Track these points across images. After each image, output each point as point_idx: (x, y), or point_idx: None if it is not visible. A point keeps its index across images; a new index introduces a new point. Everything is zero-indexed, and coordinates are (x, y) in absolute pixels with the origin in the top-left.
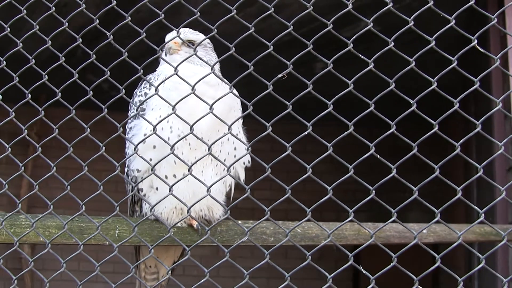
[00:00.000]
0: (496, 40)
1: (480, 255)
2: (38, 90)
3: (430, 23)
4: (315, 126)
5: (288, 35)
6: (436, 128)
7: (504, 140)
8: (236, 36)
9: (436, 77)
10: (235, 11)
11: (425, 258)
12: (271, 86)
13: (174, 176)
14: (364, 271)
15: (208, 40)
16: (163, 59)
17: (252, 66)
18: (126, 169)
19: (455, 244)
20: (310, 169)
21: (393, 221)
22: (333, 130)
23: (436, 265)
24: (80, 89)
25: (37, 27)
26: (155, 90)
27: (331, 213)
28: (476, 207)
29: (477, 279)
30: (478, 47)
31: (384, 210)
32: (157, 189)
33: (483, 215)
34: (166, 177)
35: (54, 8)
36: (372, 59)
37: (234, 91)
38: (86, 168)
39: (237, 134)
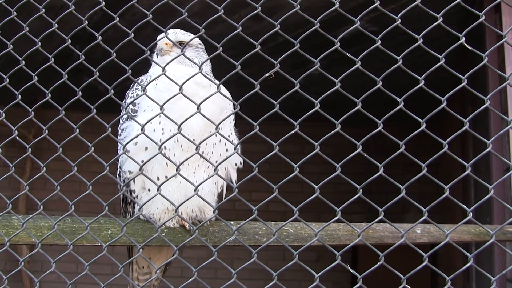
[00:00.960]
0: (493, 40)
1: (468, 254)
2: (35, 92)
3: (427, 23)
4: (312, 127)
5: (283, 36)
6: (423, 126)
7: (492, 138)
8: (231, 37)
9: (423, 75)
10: (222, 10)
11: (422, 259)
12: (259, 85)
13: (166, 177)
14: (351, 270)
15: (200, 41)
16: (152, 60)
17: (239, 66)
18: (118, 170)
19: (443, 243)
20: (297, 168)
21: (382, 221)
22: (328, 131)
23: (424, 264)
24: (76, 91)
25: (27, 28)
26: (144, 91)
27: (329, 215)
28: (463, 206)
29: (474, 280)
30: (466, 44)
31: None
32: (149, 190)
33: (471, 213)
34: (158, 178)
35: (43, 10)
36: (359, 58)
37: (226, 92)
38: (75, 168)
39: (229, 136)
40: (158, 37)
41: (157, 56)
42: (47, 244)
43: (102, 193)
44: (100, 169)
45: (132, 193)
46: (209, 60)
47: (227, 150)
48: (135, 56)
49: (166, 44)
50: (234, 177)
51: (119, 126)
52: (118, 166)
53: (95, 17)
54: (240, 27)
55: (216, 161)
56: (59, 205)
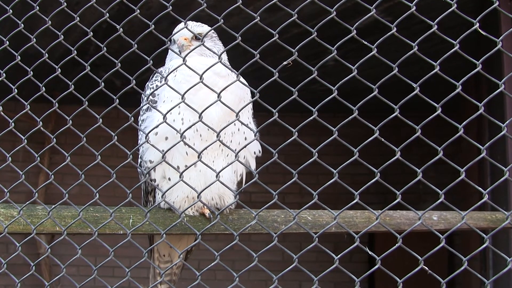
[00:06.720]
0: (507, 25)
1: (484, 235)
2: (51, 88)
3: (442, 13)
4: (327, 119)
5: (298, 28)
6: (439, 111)
7: (507, 121)
8: (246, 29)
9: (439, 61)
10: (240, 1)
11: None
12: (277, 73)
13: (186, 166)
14: (370, 252)
15: (213, 30)
16: (172, 50)
17: (258, 55)
18: (139, 160)
19: (459, 224)
20: (316, 154)
21: (399, 204)
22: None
23: (440, 245)
24: (92, 86)
25: (50, 22)
26: (165, 80)
27: (345, 206)
28: (479, 188)
29: (492, 268)
30: (480, 30)
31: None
32: (169, 179)
33: (486, 195)
34: (178, 167)
35: (65, 4)
36: (375, 45)
37: (243, 80)
38: (99, 157)
39: (247, 125)
40: (175, 29)
41: (180, 52)
42: (70, 233)
43: (118, 186)
44: (116, 162)
45: (153, 182)
46: (224, 48)
47: (245, 139)
48: (150, 50)
49: (185, 39)
50: (253, 166)
51: (139, 117)
52: (139, 156)
53: (111, 12)
54: (258, 17)
55: (235, 150)
56: (76, 199)
